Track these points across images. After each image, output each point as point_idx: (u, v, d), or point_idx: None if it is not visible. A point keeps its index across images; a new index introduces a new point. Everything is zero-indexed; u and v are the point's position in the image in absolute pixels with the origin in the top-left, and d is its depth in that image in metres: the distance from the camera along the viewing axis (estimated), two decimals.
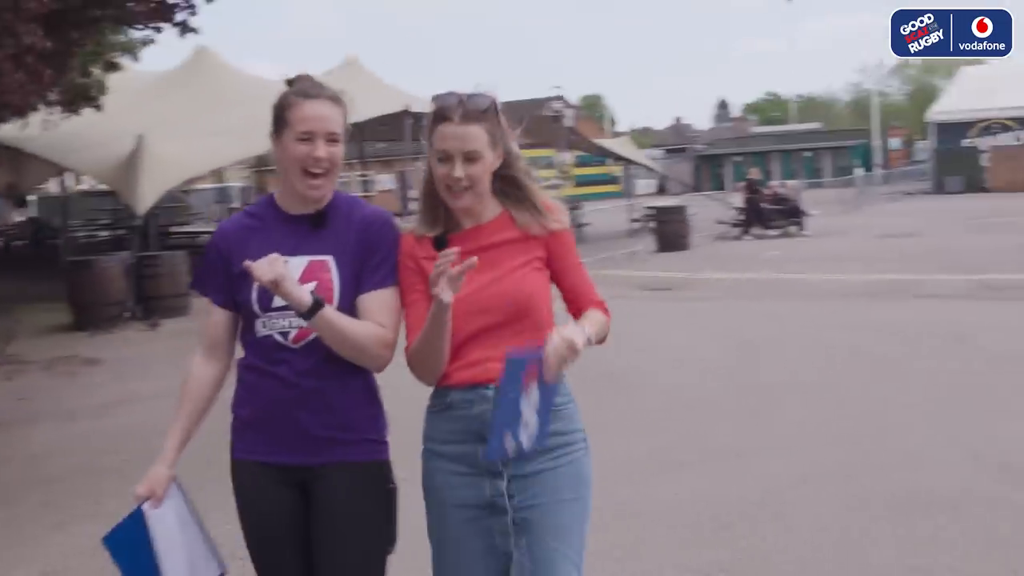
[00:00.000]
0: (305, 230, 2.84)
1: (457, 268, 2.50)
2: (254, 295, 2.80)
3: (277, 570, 2.86)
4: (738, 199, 26.65)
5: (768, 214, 25.12)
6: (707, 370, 9.22)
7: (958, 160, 41.64)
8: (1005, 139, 41.70)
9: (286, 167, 2.81)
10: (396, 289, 2.82)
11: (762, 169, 54.18)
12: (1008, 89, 42.73)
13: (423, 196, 2.81)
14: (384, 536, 2.87)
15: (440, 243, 2.74)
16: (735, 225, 25.53)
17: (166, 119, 14.84)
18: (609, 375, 8.62)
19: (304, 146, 2.76)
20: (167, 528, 2.80)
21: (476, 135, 2.66)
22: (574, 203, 26.43)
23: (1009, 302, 12.50)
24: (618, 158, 29.57)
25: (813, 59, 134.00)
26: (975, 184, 40.68)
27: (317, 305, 2.67)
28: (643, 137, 73.07)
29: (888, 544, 4.82)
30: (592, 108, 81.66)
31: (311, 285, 2.75)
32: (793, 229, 25.12)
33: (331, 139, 2.78)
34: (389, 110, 19.55)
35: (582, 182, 44.05)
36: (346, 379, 2.81)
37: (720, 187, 49.52)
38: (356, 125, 16.39)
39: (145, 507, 2.78)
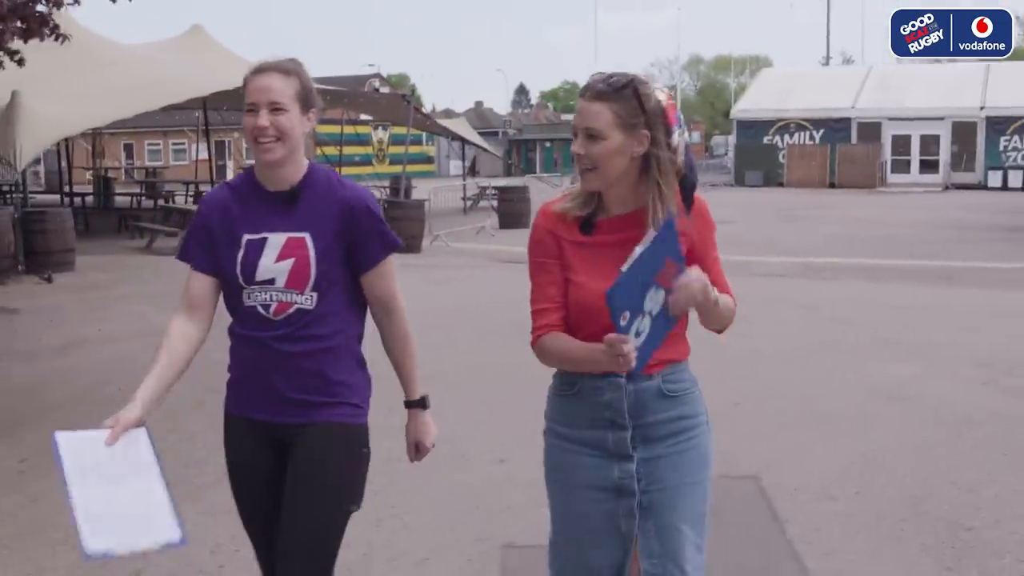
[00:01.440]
0: (280, 206, 2.99)
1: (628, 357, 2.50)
2: (238, 268, 2.97)
3: (255, 517, 3.11)
4: (568, 182, 28.65)
5: None
6: None
7: (758, 156, 45.14)
8: (800, 138, 45.52)
9: (247, 140, 2.99)
10: (390, 256, 3.06)
11: (569, 156, 57.04)
12: (803, 91, 46.63)
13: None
14: (348, 494, 3.05)
15: (587, 226, 2.77)
16: None
17: (39, 78, 15.24)
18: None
19: (250, 117, 2.90)
20: (118, 458, 2.70)
21: (598, 112, 2.66)
22: (408, 181, 27.77)
23: (831, 280, 14.74)
24: (456, 138, 30.96)
25: (612, 51, 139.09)
26: (772, 179, 44.30)
27: (423, 400, 3.19)
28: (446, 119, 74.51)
29: (822, 445, 6.56)
30: (400, 87, 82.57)
31: (286, 264, 2.94)
32: None
33: (274, 108, 2.88)
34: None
35: (396, 161, 45.21)
36: (324, 347, 3.00)
37: (532, 171, 51.61)
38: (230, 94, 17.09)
39: (102, 431, 2.70)
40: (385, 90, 47.21)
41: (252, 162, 3.13)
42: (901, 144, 44.60)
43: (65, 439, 2.66)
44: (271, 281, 2.95)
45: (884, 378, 8.20)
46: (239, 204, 3.02)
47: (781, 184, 43.73)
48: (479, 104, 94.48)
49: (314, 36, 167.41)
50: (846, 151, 43.82)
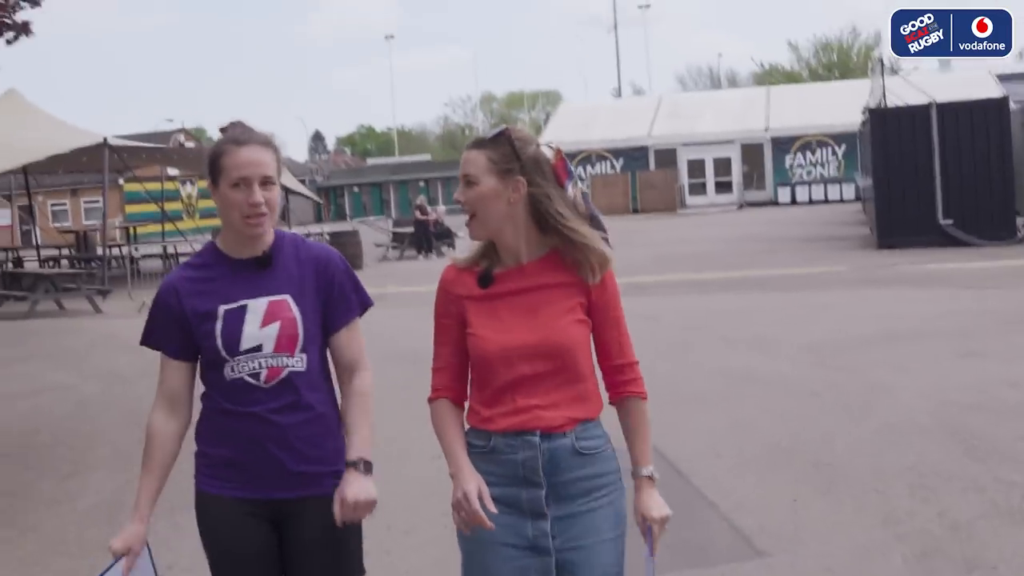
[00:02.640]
0: (254, 272, 2.98)
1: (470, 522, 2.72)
2: (219, 341, 2.95)
3: None
4: (388, 225, 29.85)
5: (432, 236, 28.56)
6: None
7: None
8: (602, 167, 48.01)
9: (226, 213, 2.93)
10: (358, 318, 3.09)
11: (378, 199, 58.00)
12: (601, 122, 49.27)
13: None
14: (358, 563, 3.10)
15: (485, 279, 2.86)
16: (394, 247, 28.72)
17: None
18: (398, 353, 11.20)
19: (240, 193, 2.88)
20: None
21: (474, 159, 2.81)
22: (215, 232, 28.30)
23: (662, 295, 16.39)
24: (285, 189, 31.66)
25: (407, 92, 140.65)
26: None
27: (367, 465, 2.96)
28: None
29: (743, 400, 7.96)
30: (203, 140, 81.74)
31: (272, 329, 2.96)
32: (446, 249, 28.63)
33: (265, 182, 2.90)
34: (76, 143, 20.64)
35: (207, 214, 45.22)
36: (317, 415, 3.01)
37: (342, 217, 52.38)
38: (55, 159, 17.52)
39: (122, 564, 2.90)
40: (191, 144, 47.26)
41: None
42: (696, 167, 47.68)
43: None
44: (258, 348, 2.94)
45: (735, 366, 9.74)
46: (207, 279, 3.00)
47: None
48: None
49: (106, 92, 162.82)
50: (646, 177, 46.51)
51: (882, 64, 25.54)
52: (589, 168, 47.81)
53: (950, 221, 20.97)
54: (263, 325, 2.96)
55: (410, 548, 5.59)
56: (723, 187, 47.37)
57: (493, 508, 2.70)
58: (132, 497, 6.47)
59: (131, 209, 43.65)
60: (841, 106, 42.34)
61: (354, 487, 2.90)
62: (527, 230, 2.83)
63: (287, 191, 31.93)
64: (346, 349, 3.07)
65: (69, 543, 6.12)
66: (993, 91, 37.27)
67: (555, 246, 2.83)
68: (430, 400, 2.92)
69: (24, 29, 12.15)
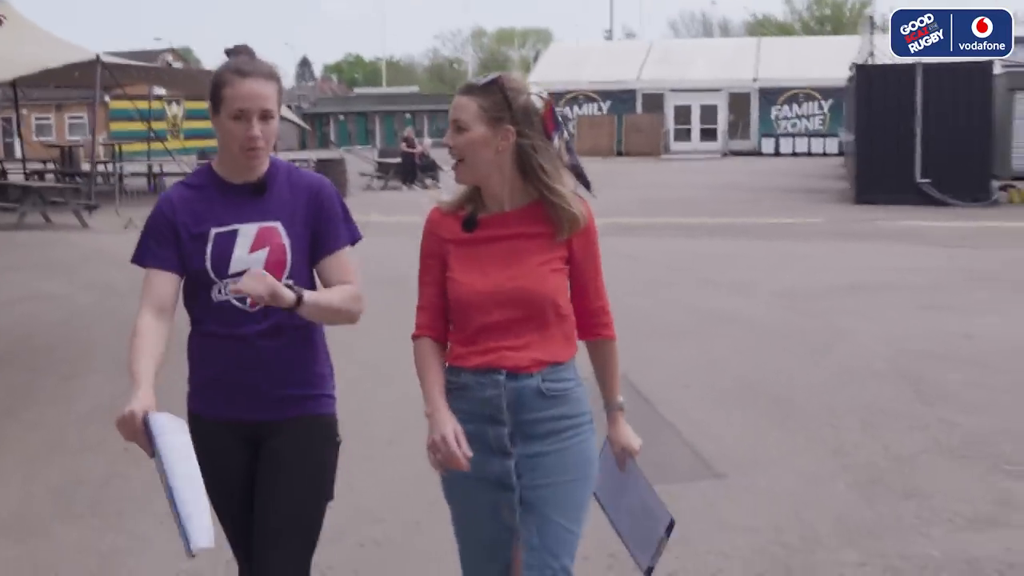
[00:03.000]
0: (247, 198, 3.01)
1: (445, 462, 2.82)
2: (208, 263, 2.98)
3: (228, 517, 3.10)
4: (374, 155, 30.10)
5: (418, 168, 28.82)
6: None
7: None
8: (589, 109, 48.17)
9: (225, 142, 2.96)
10: (350, 246, 3.10)
11: (363, 129, 58.00)
12: (591, 64, 49.31)
13: None
14: (328, 486, 3.14)
15: (470, 223, 2.93)
16: (379, 177, 29.02)
17: None
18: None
19: (239, 124, 2.90)
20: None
21: (465, 105, 2.87)
22: (202, 154, 28.53)
23: (647, 237, 16.81)
24: None
25: (397, 24, 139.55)
26: None
27: (299, 298, 2.87)
28: None
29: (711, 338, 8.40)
30: (190, 61, 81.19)
31: (261, 254, 2.98)
32: (429, 182, 28.91)
33: (264, 116, 2.91)
34: (69, 58, 20.75)
35: (191, 136, 45.21)
36: (301, 339, 3.06)
37: (327, 145, 52.42)
38: (46, 73, 17.70)
39: (158, 416, 2.65)
40: (179, 64, 47.11)
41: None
42: (682, 114, 47.89)
43: (158, 420, 2.62)
44: (246, 272, 2.94)
45: (710, 307, 10.20)
46: (202, 200, 3.04)
47: None
48: None
49: (93, 8, 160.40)
50: (632, 121, 46.67)
51: (871, 21, 25.79)
52: (576, 109, 47.95)
53: (927, 180, 21.38)
54: (252, 250, 3.00)
55: (393, 458, 5.99)
56: (708, 134, 47.62)
57: (469, 452, 2.79)
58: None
59: (116, 127, 43.49)
60: (830, 61, 42.49)
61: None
62: (512, 179, 2.89)
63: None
64: (333, 275, 3.07)
65: (71, 441, 6.52)
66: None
67: (538, 197, 2.90)
68: (413, 337, 3.00)
69: None
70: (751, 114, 47.24)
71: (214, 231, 3.01)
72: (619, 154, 45.23)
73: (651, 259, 13.79)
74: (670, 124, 47.61)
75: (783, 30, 66.75)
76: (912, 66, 21.75)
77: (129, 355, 2.85)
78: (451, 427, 2.83)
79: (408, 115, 57.52)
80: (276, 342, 3.00)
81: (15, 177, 25.97)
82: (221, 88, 2.91)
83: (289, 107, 62.51)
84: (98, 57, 20.59)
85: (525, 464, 2.90)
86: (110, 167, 26.90)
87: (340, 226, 3.10)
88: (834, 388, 7.23)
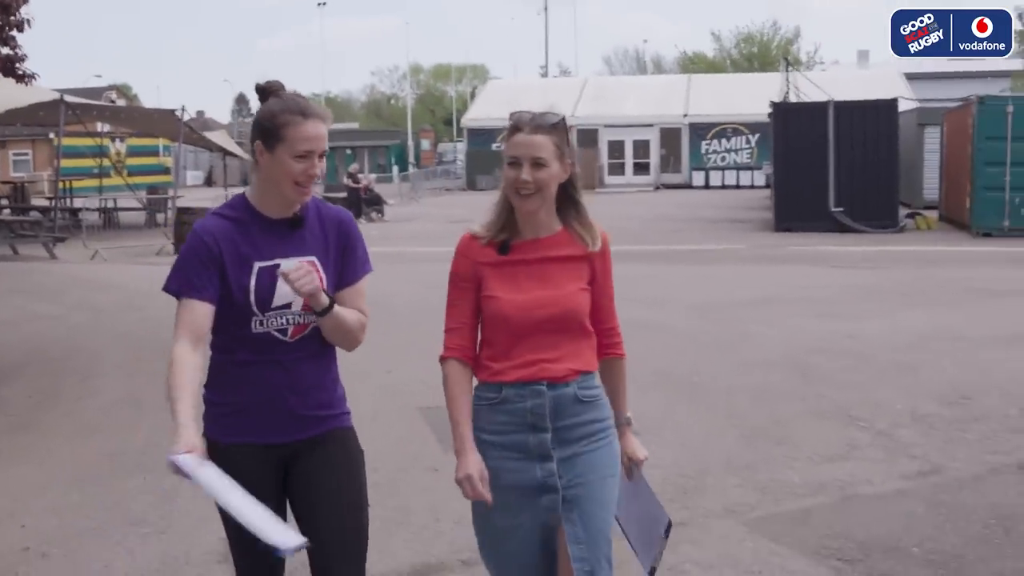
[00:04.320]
0: (284, 232, 3.15)
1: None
2: (252, 295, 3.11)
3: (245, 542, 2.92)
4: (321, 190, 31.47)
5: (363, 202, 30.28)
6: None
7: (487, 161, 49.06)
8: None
9: (277, 178, 3.08)
10: (366, 277, 3.29)
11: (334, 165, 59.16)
12: (527, 101, 50.39)
13: (498, 203, 3.22)
14: (366, 494, 3.33)
15: (504, 248, 3.17)
16: None
17: None
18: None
19: (302, 163, 3.05)
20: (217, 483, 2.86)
21: (542, 143, 3.09)
22: (164, 190, 29.74)
23: (650, 263, 18.43)
24: (220, 150, 33.01)
25: (332, 59, 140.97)
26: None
27: (332, 304, 3.10)
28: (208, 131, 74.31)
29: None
30: (130, 99, 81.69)
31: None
32: (375, 215, 30.38)
33: (322, 155, 3.10)
34: (34, 98, 21.94)
35: (134, 172, 46.19)
36: (327, 364, 3.26)
37: None
38: (11, 112, 18.95)
39: (193, 455, 2.82)
40: (122, 102, 48.23)
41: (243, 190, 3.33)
42: (616, 149, 49.95)
43: (184, 459, 2.80)
44: (287, 306, 3.13)
45: (632, 317, 11.61)
46: (241, 232, 3.14)
47: None
48: (201, 114, 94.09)
49: (35, 42, 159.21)
50: None
51: (787, 62, 27.85)
52: None
53: (841, 209, 23.33)
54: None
55: (376, 433, 7.44)
56: (641, 168, 49.69)
57: (488, 497, 3.10)
58: (150, 392, 8.31)
59: (65, 163, 44.38)
60: (757, 97, 44.51)
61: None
62: (551, 207, 3.21)
63: (224, 152, 33.41)
64: (350, 304, 3.22)
65: (102, 425, 7.87)
66: (900, 89, 40.09)
67: (564, 224, 3.24)
68: (443, 359, 3.22)
69: None
70: (682, 148, 49.39)
71: (257, 265, 3.13)
72: None
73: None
74: (604, 159, 49.62)
75: (713, 67, 69.26)
76: (824, 103, 23.82)
77: (169, 388, 2.96)
78: (476, 470, 3.12)
79: (348, 151, 58.87)
80: (308, 367, 3.20)
81: None
82: (283, 128, 3.04)
83: (239, 144, 63.56)
84: (62, 98, 21.83)
85: (564, 466, 3.17)
86: (65, 202, 27.98)
87: (362, 259, 3.29)
88: (734, 374, 8.85)
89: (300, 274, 3.00)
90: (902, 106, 30.14)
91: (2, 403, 8.51)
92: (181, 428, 2.85)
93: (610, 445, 3.27)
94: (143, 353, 10.17)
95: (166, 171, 52.38)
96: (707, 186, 47.34)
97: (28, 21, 10.13)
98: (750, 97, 47.10)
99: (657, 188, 47.37)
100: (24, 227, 21.56)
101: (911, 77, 48.38)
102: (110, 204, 29.27)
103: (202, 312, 3.09)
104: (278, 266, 3.10)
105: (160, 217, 28.23)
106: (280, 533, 2.79)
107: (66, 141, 39.18)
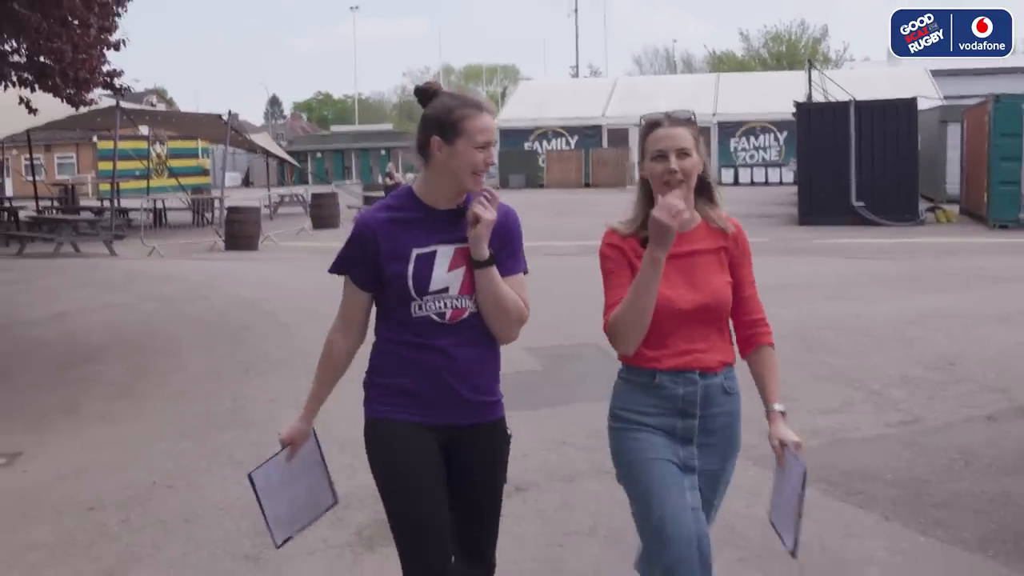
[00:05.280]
0: (445, 222, 3.33)
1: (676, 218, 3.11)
2: (410, 281, 3.28)
3: (421, 514, 3.31)
4: (360, 189, 32.85)
5: None
6: None
7: (520, 160, 50.27)
8: (558, 143, 51.13)
9: (456, 169, 3.27)
10: (523, 274, 3.44)
11: (340, 165, 60.57)
12: (558, 101, 52.34)
13: (636, 201, 3.44)
14: (505, 474, 3.57)
15: (645, 243, 3.27)
16: (366, 209, 31.79)
17: None
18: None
19: (482, 153, 3.27)
20: (294, 466, 3.61)
21: (684, 135, 3.30)
22: (207, 191, 31.03)
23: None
24: (266, 152, 34.37)
25: (363, 61, 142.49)
26: (534, 181, 49.49)
27: (492, 258, 3.30)
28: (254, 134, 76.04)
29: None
30: (168, 102, 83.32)
31: (459, 272, 3.32)
32: None
33: (494, 145, 3.35)
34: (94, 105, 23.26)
35: (174, 173, 47.59)
36: (487, 351, 3.41)
37: (304, 181, 54.94)
38: (73, 118, 20.33)
39: (285, 452, 3.56)
40: (162, 106, 49.81)
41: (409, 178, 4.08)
42: None
43: (258, 476, 3.56)
44: (445, 290, 3.29)
45: None
46: (403, 222, 3.32)
47: (542, 186, 48.96)
48: (234, 116, 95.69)
49: None
50: (598, 155, 49.61)
51: (810, 63, 28.80)
52: (545, 144, 50.87)
53: (862, 203, 24.31)
54: (450, 269, 3.30)
55: None
56: None
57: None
58: (228, 366, 9.50)
59: (104, 166, 45.84)
60: (785, 95, 45.27)
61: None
62: (691, 200, 3.39)
63: (266, 153, 34.71)
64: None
65: (192, 392, 9.06)
66: (926, 86, 40.95)
67: (703, 217, 3.43)
68: (606, 322, 3.37)
69: None
70: (711, 146, 50.30)
71: (415, 252, 3.31)
72: (587, 186, 48.03)
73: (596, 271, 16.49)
74: (635, 157, 50.45)
75: (742, 66, 70.13)
76: (846, 103, 24.82)
77: (318, 367, 3.53)
78: None
79: (383, 151, 60.20)
80: (469, 352, 3.36)
81: (26, 214, 28.41)
82: (462, 121, 3.27)
83: (279, 145, 64.92)
84: (118, 104, 23.16)
85: (701, 452, 3.41)
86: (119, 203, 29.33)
87: (520, 253, 3.46)
88: None
89: (483, 212, 3.27)
90: (925, 104, 31.11)
91: (101, 376, 9.72)
92: (299, 417, 3.53)
93: (738, 438, 3.52)
94: (215, 335, 11.39)
95: (204, 172, 53.90)
96: (736, 183, 48.21)
97: (124, 41, 11.21)
98: (778, 95, 47.89)
99: None
100: (82, 226, 22.85)
101: (940, 74, 49.10)
102: (159, 205, 30.54)
103: (359, 299, 3.41)
104: (435, 252, 3.31)
105: (207, 216, 29.53)
106: (284, 527, 3.65)
107: (105, 144, 40.71)
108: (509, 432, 3.55)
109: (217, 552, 5.49)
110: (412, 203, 3.37)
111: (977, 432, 7.08)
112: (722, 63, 73.10)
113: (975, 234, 22.29)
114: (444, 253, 3.31)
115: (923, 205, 25.70)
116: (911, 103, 24.70)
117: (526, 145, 51.16)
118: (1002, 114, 22.70)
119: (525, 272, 3.48)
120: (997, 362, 8.95)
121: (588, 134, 50.62)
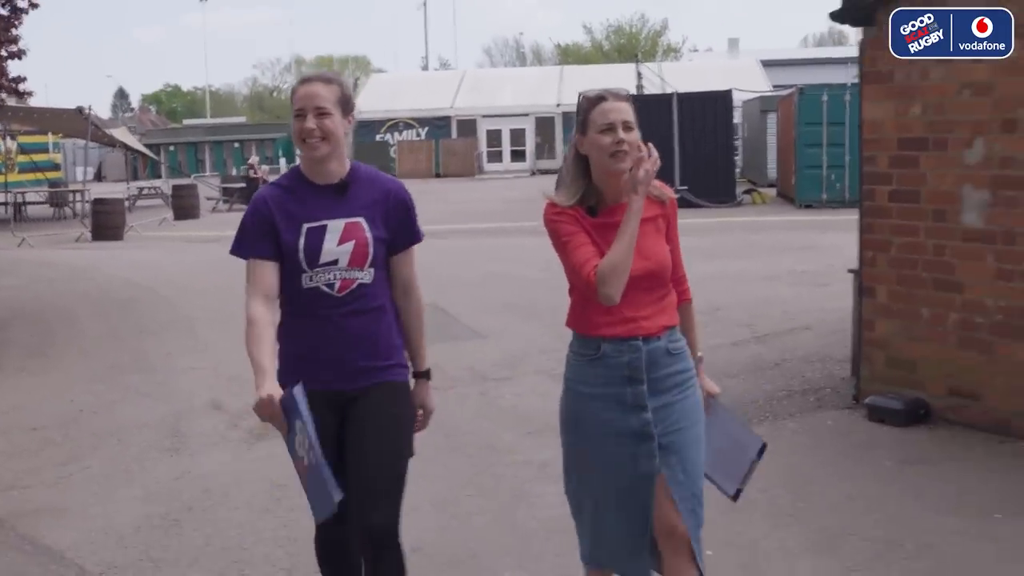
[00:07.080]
0: (332, 196, 3.48)
1: (647, 168, 3.27)
2: (301, 254, 3.45)
3: None
4: (218, 181, 34.21)
5: None
6: None
7: (372, 151, 51.57)
8: (409, 135, 52.97)
9: (296, 139, 3.46)
10: (415, 247, 3.65)
11: (193, 159, 61.24)
12: (409, 93, 54.14)
13: (569, 174, 3.54)
14: (409, 443, 3.63)
15: (593, 213, 3.43)
16: (224, 201, 33.14)
17: None
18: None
19: (298, 121, 3.41)
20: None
21: (628, 108, 3.44)
22: (63, 184, 31.90)
23: (452, 238, 21.56)
24: (125, 146, 35.23)
25: (213, 52, 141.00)
26: (386, 171, 48.57)
27: (428, 372, 3.69)
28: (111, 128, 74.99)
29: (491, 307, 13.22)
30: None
31: (348, 246, 3.45)
32: None
33: (319, 112, 3.37)
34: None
35: (25, 169, 47.70)
36: (379, 317, 3.55)
37: (157, 175, 55.48)
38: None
39: (298, 388, 3.30)
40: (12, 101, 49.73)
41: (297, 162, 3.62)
42: (494, 137, 53.11)
43: (297, 391, 3.28)
44: (334, 262, 3.43)
45: (496, 271, 15.01)
46: (292, 198, 3.49)
47: (394, 175, 50.58)
48: (80, 109, 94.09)
49: None
50: (448, 145, 51.49)
51: (637, 58, 31.33)
52: (396, 135, 52.59)
53: (685, 187, 26.91)
54: (340, 243, 3.43)
55: None
56: (518, 155, 52.93)
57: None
58: (123, 329, 11.29)
59: None
60: (625, 86, 48.08)
61: (428, 397, 3.69)
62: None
63: (125, 147, 35.64)
64: (403, 269, 3.59)
65: (96, 350, 10.75)
66: (758, 78, 44.24)
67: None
68: (590, 275, 3.38)
69: None
70: (556, 136, 52.78)
71: (305, 226, 3.45)
72: (437, 175, 49.90)
73: (455, 248, 18.55)
74: (483, 147, 52.75)
75: (587, 59, 73.04)
76: (669, 95, 27.44)
77: (248, 343, 3.40)
78: None
79: (236, 144, 61.06)
80: (357, 321, 3.48)
81: None
82: (292, 97, 3.50)
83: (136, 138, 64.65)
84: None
85: (659, 415, 3.45)
86: None
87: (413, 227, 3.62)
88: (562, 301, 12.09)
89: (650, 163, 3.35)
90: (750, 94, 34.09)
91: (11, 342, 11.38)
92: (265, 375, 3.31)
93: (695, 392, 3.58)
94: (106, 306, 13.08)
95: (56, 167, 53.88)
96: None
97: (22, 52, 12.64)
98: (618, 86, 50.59)
99: (533, 173, 50.42)
100: None
101: (775, 64, 52.55)
102: (19, 199, 31.33)
103: (269, 271, 3.49)
104: (325, 226, 3.47)
105: (67, 209, 30.48)
106: (334, 487, 3.24)
107: None
108: (413, 404, 3.71)
109: (144, 448, 7.39)
110: (298, 181, 3.58)
111: (722, 352, 9.38)
112: (568, 55, 75.91)
113: (784, 213, 24.96)
114: (334, 228, 3.49)
115: (741, 188, 28.44)
116: (727, 95, 27.39)
117: (378, 137, 52.82)
118: (806, 104, 25.49)
119: (418, 241, 3.74)
120: (751, 308, 11.36)
121: (438, 125, 52.49)
